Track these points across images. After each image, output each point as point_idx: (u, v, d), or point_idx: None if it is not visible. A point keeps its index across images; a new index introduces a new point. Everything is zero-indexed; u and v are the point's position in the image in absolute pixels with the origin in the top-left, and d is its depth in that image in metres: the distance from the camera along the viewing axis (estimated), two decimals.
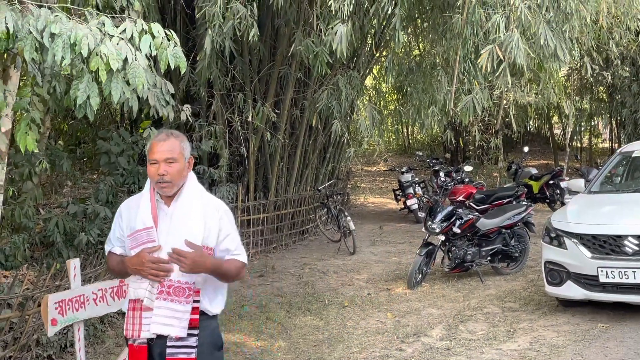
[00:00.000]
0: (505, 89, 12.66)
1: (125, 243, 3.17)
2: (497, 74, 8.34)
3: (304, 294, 8.13)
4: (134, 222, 3.11)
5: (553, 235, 6.63)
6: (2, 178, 6.24)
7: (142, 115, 7.57)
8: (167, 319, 3.00)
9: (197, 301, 3.05)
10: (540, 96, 14.60)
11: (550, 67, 8.77)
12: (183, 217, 3.06)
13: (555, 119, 24.56)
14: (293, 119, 11.19)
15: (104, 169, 8.72)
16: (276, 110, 10.25)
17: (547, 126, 25.01)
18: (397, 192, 14.66)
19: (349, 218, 10.72)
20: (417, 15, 11.67)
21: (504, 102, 12.32)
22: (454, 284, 8.37)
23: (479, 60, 8.03)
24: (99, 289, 3.81)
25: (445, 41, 10.40)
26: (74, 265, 3.67)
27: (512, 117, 11.97)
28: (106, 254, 3.30)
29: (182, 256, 2.91)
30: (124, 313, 6.96)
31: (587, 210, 6.93)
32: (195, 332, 3.04)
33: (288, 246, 11.32)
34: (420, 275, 8.35)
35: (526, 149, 15.69)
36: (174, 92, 5.90)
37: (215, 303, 3.17)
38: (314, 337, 6.49)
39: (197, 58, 8.89)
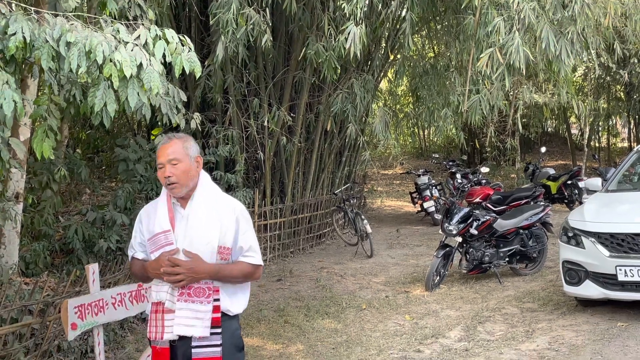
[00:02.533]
0: (517, 90, 12.66)
1: (146, 247, 3.22)
2: (495, 76, 8.35)
3: (322, 297, 8.15)
4: (152, 226, 3.16)
5: (571, 234, 6.60)
6: (21, 186, 6.36)
7: (159, 122, 7.66)
8: (189, 319, 3.04)
9: (218, 299, 3.08)
10: (555, 96, 14.53)
11: (562, 68, 8.72)
12: (199, 218, 3.10)
13: (572, 119, 24.41)
14: (308, 123, 11.23)
15: (122, 177, 8.80)
16: (292, 114, 10.29)
17: (565, 126, 24.85)
18: (414, 195, 14.63)
19: (365, 221, 10.72)
20: (430, 18, 11.69)
21: (516, 102, 12.28)
22: (472, 286, 8.35)
23: (478, 63, 8.05)
24: (118, 294, 3.86)
25: (458, 43, 10.42)
26: (92, 270, 3.72)
27: (519, 118, 11.93)
28: (129, 259, 3.35)
29: (177, 265, 2.95)
30: (144, 319, 7.05)
31: (604, 209, 6.89)
32: (219, 330, 3.07)
33: (305, 250, 11.34)
34: (438, 277, 8.34)
35: (543, 149, 15.59)
36: (186, 100, 5.96)
37: (236, 302, 3.18)
38: (332, 340, 6.51)
39: (212, 65, 8.97)
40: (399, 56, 11.70)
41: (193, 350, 3.06)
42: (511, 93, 12.47)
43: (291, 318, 7.20)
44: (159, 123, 7.78)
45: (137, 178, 8.55)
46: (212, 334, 3.06)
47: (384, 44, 11.80)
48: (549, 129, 26.91)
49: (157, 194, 8.63)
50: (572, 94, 13.60)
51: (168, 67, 7.15)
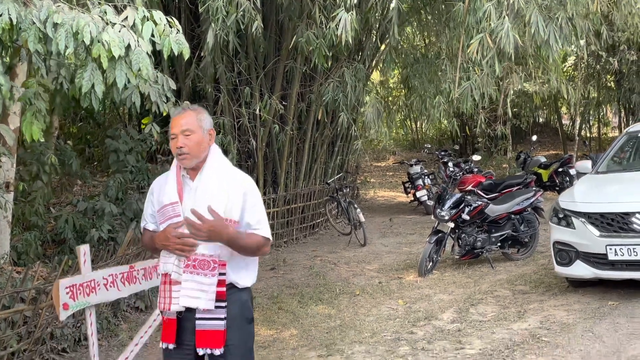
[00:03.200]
0: (507, 79, 12.69)
1: (156, 219, 3.24)
2: (485, 60, 8.37)
3: (315, 285, 8.16)
4: (162, 197, 3.19)
5: (561, 215, 6.63)
6: (11, 176, 6.35)
7: (148, 112, 7.64)
8: (194, 291, 3.04)
9: (223, 274, 3.08)
10: (545, 84, 14.57)
11: (550, 53, 8.75)
12: (206, 190, 3.10)
13: (564, 109, 24.49)
14: (300, 113, 11.23)
15: (113, 167, 8.79)
16: (283, 103, 10.29)
17: (556, 117, 24.93)
18: (407, 185, 14.67)
19: (358, 210, 10.75)
20: (420, 7, 11.70)
21: (506, 89, 12.31)
22: (464, 271, 8.39)
23: (469, 49, 8.06)
24: (110, 275, 3.86)
25: (448, 30, 10.43)
26: (83, 251, 3.72)
27: (510, 106, 11.95)
28: (141, 230, 3.37)
29: (201, 220, 2.94)
30: (137, 307, 7.03)
31: (594, 190, 6.92)
32: (223, 304, 3.07)
33: (299, 240, 11.35)
34: (430, 263, 8.37)
35: (534, 137, 15.65)
36: (175, 88, 5.95)
37: (244, 275, 3.18)
38: (325, 324, 6.52)
39: (202, 55, 8.96)
40: (385, 44, 11.73)
41: (197, 322, 3.07)
42: (501, 82, 12.48)
43: (285, 305, 7.22)
44: (149, 112, 7.79)
45: (129, 168, 8.54)
46: (216, 307, 3.06)
47: (375, 33, 11.80)
48: (540, 120, 26.98)
49: (149, 185, 8.67)
50: (562, 80, 13.63)
51: (158, 57, 7.12)
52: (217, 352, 3.08)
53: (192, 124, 3.13)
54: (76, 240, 7.26)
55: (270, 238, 3.23)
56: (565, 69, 19.91)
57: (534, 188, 9.49)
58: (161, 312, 3.18)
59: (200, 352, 3.10)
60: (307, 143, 11.44)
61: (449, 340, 5.63)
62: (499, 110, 16.22)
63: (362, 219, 10.70)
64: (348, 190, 12.12)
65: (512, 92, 13.41)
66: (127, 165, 8.59)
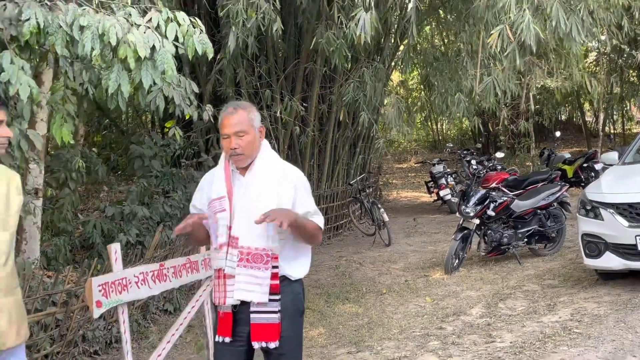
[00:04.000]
0: (529, 75, 12.60)
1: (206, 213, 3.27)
2: (506, 54, 8.31)
3: (342, 284, 8.16)
4: (210, 193, 3.22)
5: (589, 207, 6.56)
6: (40, 182, 6.43)
7: (171, 116, 7.71)
8: (248, 285, 3.07)
9: (276, 267, 3.10)
10: (567, 80, 14.44)
11: (574, 46, 8.66)
12: (257, 185, 3.12)
13: (586, 105, 24.25)
14: (321, 114, 11.26)
15: (138, 173, 8.89)
16: (304, 105, 10.33)
17: (579, 113, 24.69)
18: (430, 184, 14.62)
19: (382, 210, 10.73)
20: (439, 5, 11.69)
21: (528, 84, 12.23)
22: (491, 267, 8.33)
23: (488, 40, 8.01)
24: (141, 272, 3.90)
25: (468, 27, 10.39)
26: (114, 249, 3.76)
27: (532, 101, 11.85)
28: None
29: (267, 215, 2.95)
30: (166, 310, 7.07)
31: (622, 180, 6.83)
32: (277, 297, 3.09)
33: (323, 242, 11.34)
34: (457, 260, 8.33)
35: (558, 133, 15.52)
36: (197, 91, 6.00)
37: (296, 267, 3.20)
38: (353, 322, 6.52)
39: (222, 59, 9.03)
40: (405, 44, 11.73)
41: (252, 316, 3.09)
42: (522, 78, 12.40)
43: (312, 304, 7.22)
44: (171, 118, 7.85)
45: (154, 173, 8.62)
46: (270, 300, 3.08)
47: (393, 34, 11.80)
48: (563, 117, 26.74)
49: (174, 189, 8.72)
50: (584, 73, 13.50)
51: (179, 63, 7.16)
52: (272, 345, 3.10)
53: (245, 124, 3.12)
54: (104, 245, 7.33)
55: (322, 228, 3.23)
56: (587, 65, 19.71)
57: (559, 183, 9.40)
58: (216, 306, 3.21)
59: (256, 345, 3.13)
60: (329, 144, 11.46)
61: (479, 334, 5.60)
62: (521, 106, 16.11)
63: (386, 218, 10.68)
64: (371, 190, 12.12)
65: (534, 87, 13.28)
66: (152, 171, 8.68)
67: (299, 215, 3.09)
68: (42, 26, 3.85)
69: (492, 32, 7.74)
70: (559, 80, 14.61)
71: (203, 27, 4.38)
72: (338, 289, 7.90)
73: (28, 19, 3.81)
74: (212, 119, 7.22)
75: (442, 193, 13.55)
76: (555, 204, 8.79)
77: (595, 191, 6.68)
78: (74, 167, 7.27)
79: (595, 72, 19.02)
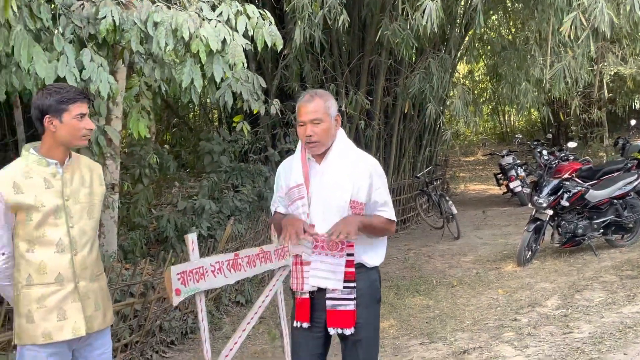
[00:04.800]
0: (601, 62, 12.19)
1: (284, 202, 3.32)
2: (579, 42, 8.07)
3: (411, 277, 8.11)
4: (288, 180, 3.26)
5: None
6: (116, 177, 6.63)
7: (238, 111, 7.82)
8: (323, 272, 3.11)
9: (351, 254, 3.12)
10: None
11: None
12: (333, 173, 3.14)
13: None
14: (386, 107, 11.21)
15: (208, 168, 9.06)
16: (369, 98, 10.30)
17: None
18: (499, 176, 14.34)
19: (450, 202, 10.60)
20: None
21: (601, 70, 11.82)
22: (565, 259, 8.12)
23: (561, 28, 7.79)
24: (216, 262, 3.96)
25: (537, 14, 10.14)
26: (191, 239, 3.83)
27: (605, 89, 11.44)
28: (272, 214, 3.46)
29: (331, 233, 2.98)
30: (238, 302, 7.18)
31: None
32: (352, 284, 3.11)
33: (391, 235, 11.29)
34: (529, 252, 8.15)
35: (633, 121, 14.92)
36: (265, 86, 6.07)
37: (372, 255, 3.21)
38: (424, 315, 6.48)
39: (287, 53, 9.11)
40: (470, 34, 11.55)
41: (327, 302, 3.13)
42: (595, 65, 12.00)
43: (382, 296, 7.18)
44: (238, 112, 7.96)
45: (223, 168, 8.77)
46: (345, 287, 3.10)
47: (459, 24, 11.64)
48: (638, 104, 25.75)
49: (243, 184, 8.84)
50: None
51: (246, 58, 7.27)
52: (348, 331, 3.12)
53: (321, 112, 3.12)
54: (177, 239, 7.51)
55: (395, 220, 3.24)
56: None
57: (636, 171, 9.07)
58: (294, 292, 3.25)
59: (332, 331, 3.16)
60: (395, 137, 11.39)
61: (556, 326, 5.47)
62: (593, 94, 15.61)
63: (455, 211, 10.54)
64: (438, 183, 11.99)
65: (607, 74, 12.84)
66: (220, 166, 8.83)
67: (363, 218, 3.10)
68: (117, 23, 3.97)
69: (564, 19, 7.52)
70: (634, 67, 14.07)
71: (272, 19, 4.41)
72: (407, 282, 7.86)
73: (104, 17, 3.94)
74: (279, 113, 7.29)
75: (512, 185, 13.27)
76: (632, 193, 8.48)
77: None
78: (148, 163, 7.47)
79: None
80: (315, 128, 3.11)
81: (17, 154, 2.93)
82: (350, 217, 3.08)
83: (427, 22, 7.45)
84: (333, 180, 3.13)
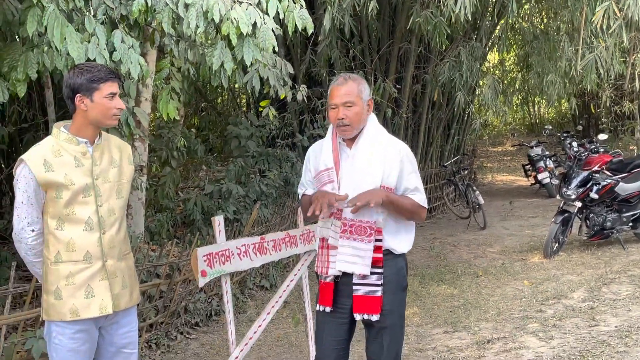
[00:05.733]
0: (635, 51, 11.92)
1: (314, 185, 3.31)
2: (611, 31, 7.90)
3: (436, 266, 8.09)
4: (318, 164, 3.25)
5: None
6: (145, 159, 6.68)
7: (265, 97, 7.80)
8: (350, 257, 3.10)
9: (379, 240, 3.11)
10: None
11: None
12: (363, 158, 3.12)
13: None
14: (415, 95, 11.12)
15: (235, 153, 9.09)
16: (397, 86, 10.23)
17: None
18: (527, 168, 14.20)
19: (477, 192, 10.52)
20: None
21: (633, 62, 11.56)
22: (593, 252, 8.02)
23: (593, 18, 7.64)
24: (242, 245, 3.98)
25: (570, 3, 9.96)
26: (218, 222, 3.85)
27: (636, 76, 11.18)
28: (300, 197, 3.46)
29: (353, 202, 2.99)
30: (262, 286, 7.22)
31: None
32: (380, 270, 3.10)
33: (416, 223, 11.23)
34: (556, 244, 8.07)
35: None
36: (293, 72, 6.05)
37: (400, 241, 3.19)
38: (448, 304, 6.45)
39: (317, 40, 9.07)
40: (502, 22, 11.39)
41: (354, 288, 3.12)
42: (627, 56, 11.73)
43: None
44: (266, 97, 7.95)
45: (250, 153, 8.79)
46: (373, 273, 3.09)
47: (490, 12, 11.49)
48: None
49: (269, 169, 8.86)
50: None
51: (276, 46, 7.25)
52: (374, 317, 3.12)
53: (353, 95, 3.10)
54: (204, 222, 7.56)
55: (426, 206, 3.21)
56: None
57: None
58: (318, 275, 3.25)
59: (357, 317, 3.15)
60: (422, 126, 11.32)
61: (582, 318, 5.41)
62: (625, 86, 15.32)
63: (482, 201, 10.47)
64: (465, 173, 11.90)
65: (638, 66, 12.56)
66: (248, 150, 8.85)
67: (390, 193, 3.07)
68: (149, 4, 3.98)
69: (596, 9, 7.37)
70: None
71: (303, 2, 4.39)
72: (432, 270, 7.84)
73: None
74: (305, 100, 7.27)
75: (540, 176, 13.13)
76: None
77: None
78: (176, 146, 7.51)
79: None
80: (347, 111, 3.09)
81: (47, 134, 2.95)
82: (376, 189, 3.05)
83: (460, 9, 7.37)
84: (363, 164, 3.11)
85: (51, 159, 2.79)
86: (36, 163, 2.77)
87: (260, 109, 8.41)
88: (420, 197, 3.17)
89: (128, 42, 3.96)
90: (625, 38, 8.27)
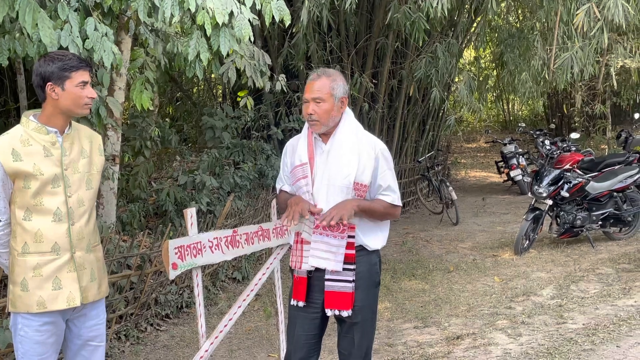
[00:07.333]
0: (608, 52, 12.07)
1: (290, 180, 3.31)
2: (592, 33, 7.99)
3: (408, 261, 8.12)
4: (293, 159, 3.25)
5: None
6: (117, 149, 6.59)
7: (243, 87, 7.76)
8: (323, 252, 3.10)
9: (352, 236, 3.10)
10: None
11: None
12: (338, 153, 3.12)
13: None
14: (391, 90, 11.14)
15: (209, 144, 9.03)
16: (374, 81, 10.24)
17: None
18: (500, 164, 14.31)
19: (450, 188, 10.59)
20: None
21: (607, 63, 11.71)
22: (563, 250, 8.12)
23: (575, 20, 7.72)
24: (215, 237, 3.94)
25: (547, 2, 10.06)
26: (190, 214, 3.81)
27: (614, 79, 11.34)
28: (277, 192, 3.46)
29: (326, 217, 2.98)
30: (234, 278, 7.18)
31: None
32: (352, 266, 3.10)
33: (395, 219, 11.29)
34: (527, 241, 8.16)
35: (637, 115, 14.84)
36: (270, 63, 6.01)
37: (374, 238, 3.19)
38: (420, 299, 6.49)
39: (294, 32, 9.04)
40: (479, 19, 11.44)
41: (326, 283, 3.13)
42: (600, 57, 11.87)
43: None
44: (242, 88, 7.90)
45: (225, 144, 8.73)
46: (345, 269, 3.09)
47: (467, 8, 11.53)
48: None
49: (244, 161, 8.82)
50: None
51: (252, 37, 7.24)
52: (345, 313, 3.12)
53: (324, 91, 3.10)
54: (176, 213, 7.50)
55: (400, 204, 3.22)
56: None
57: (638, 165, 9.04)
58: (292, 270, 3.25)
59: (329, 312, 3.15)
60: (398, 121, 11.35)
61: (550, 315, 5.48)
62: (598, 87, 15.53)
63: (454, 197, 10.53)
64: (439, 168, 11.96)
65: (615, 67, 12.71)
66: (222, 142, 8.79)
67: (360, 202, 3.07)
68: None
69: (573, 10, 7.44)
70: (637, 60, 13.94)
71: None
72: (404, 265, 7.87)
73: None
74: (284, 89, 7.22)
75: (512, 173, 13.25)
76: (632, 187, 8.48)
77: None
78: (149, 135, 7.43)
79: None
80: (315, 107, 3.09)
81: (19, 121, 2.90)
82: (347, 201, 3.06)
83: (437, 5, 7.39)
84: (338, 160, 3.11)
85: (20, 148, 2.74)
86: (4, 152, 2.72)
87: (238, 99, 8.37)
88: (393, 197, 3.17)
89: (102, 30, 3.89)
90: (606, 40, 8.36)
